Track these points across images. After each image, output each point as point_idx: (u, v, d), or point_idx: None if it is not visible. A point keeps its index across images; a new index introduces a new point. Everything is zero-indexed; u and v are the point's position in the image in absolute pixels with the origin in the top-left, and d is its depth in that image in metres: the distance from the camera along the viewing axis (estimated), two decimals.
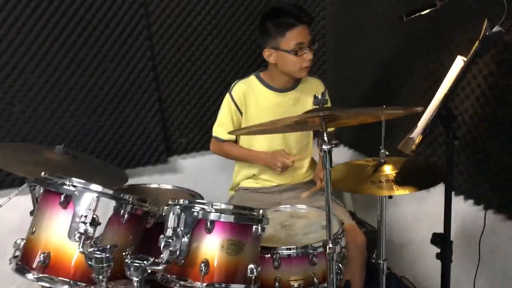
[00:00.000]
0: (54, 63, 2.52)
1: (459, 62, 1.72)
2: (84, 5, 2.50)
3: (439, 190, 1.76)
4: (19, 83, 2.49)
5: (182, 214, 1.41)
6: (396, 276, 2.62)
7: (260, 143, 2.22)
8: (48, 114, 2.57)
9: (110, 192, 1.47)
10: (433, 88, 2.22)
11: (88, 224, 1.38)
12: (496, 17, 1.80)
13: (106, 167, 2.21)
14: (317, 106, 1.39)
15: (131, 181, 2.23)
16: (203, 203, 1.44)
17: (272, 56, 2.13)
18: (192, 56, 2.79)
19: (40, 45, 2.48)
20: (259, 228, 1.45)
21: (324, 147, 1.30)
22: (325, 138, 1.31)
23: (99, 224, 1.42)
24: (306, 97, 2.23)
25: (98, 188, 1.47)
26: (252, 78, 2.25)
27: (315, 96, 1.41)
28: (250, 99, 2.21)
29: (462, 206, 2.14)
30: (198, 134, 2.92)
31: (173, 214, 1.42)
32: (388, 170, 1.66)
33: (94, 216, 1.41)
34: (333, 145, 1.32)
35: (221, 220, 1.41)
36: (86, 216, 1.40)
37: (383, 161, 1.66)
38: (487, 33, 1.57)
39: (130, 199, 1.50)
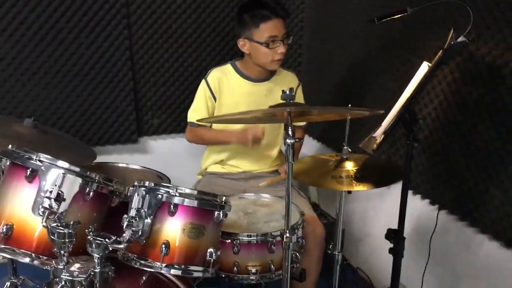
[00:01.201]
0: (29, 35, 2.50)
1: (424, 67, 1.79)
2: None
3: (398, 188, 1.84)
4: None
5: (147, 195, 1.45)
6: (352, 267, 2.73)
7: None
8: (18, 85, 2.55)
9: (77, 169, 1.49)
10: (401, 90, 2.27)
11: (52, 200, 1.40)
12: (462, 27, 1.88)
13: (75, 143, 2.21)
14: (285, 101, 1.43)
15: (99, 159, 2.24)
16: (168, 187, 1.48)
17: (246, 46, 2.17)
18: (169, 38, 2.80)
19: (14, 15, 2.45)
20: (221, 214, 1.49)
21: (288, 141, 1.35)
22: (289, 132, 1.36)
23: (64, 200, 1.44)
24: (279, 89, 2.23)
25: (65, 164, 1.49)
26: (228, 67, 2.28)
27: (283, 91, 1.45)
28: (224, 87, 2.24)
29: (418, 205, 2.23)
30: (170, 117, 2.94)
31: (138, 195, 1.45)
32: (350, 166, 1.73)
33: (60, 192, 1.43)
34: (296, 140, 1.37)
35: (184, 204, 1.45)
36: (51, 192, 1.42)
37: (345, 157, 1.73)
38: (452, 43, 1.64)
39: (96, 178, 1.53)
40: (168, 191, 1.45)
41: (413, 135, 1.77)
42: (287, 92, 1.42)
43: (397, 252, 1.87)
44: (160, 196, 1.44)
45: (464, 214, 2.01)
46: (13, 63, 2.51)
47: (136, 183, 1.51)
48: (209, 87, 2.25)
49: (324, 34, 2.88)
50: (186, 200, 1.45)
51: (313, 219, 2.04)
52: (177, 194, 1.45)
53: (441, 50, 1.62)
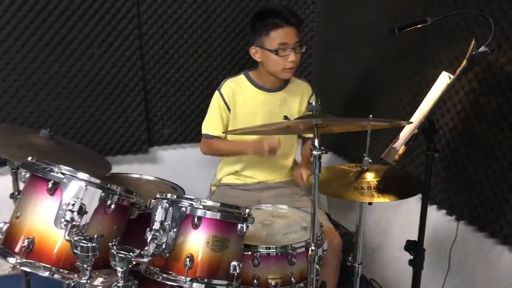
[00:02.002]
0: (41, 45, 2.49)
1: (444, 78, 1.79)
2: None
3: (413, 198, 1.82)
4: (3, 62, 2.45)
5: (170, 208, 1.43)
6: (366, 278, 2.70)
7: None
8: (30, 95, 2.54)
9: (98, 181, 1.48)
10: (415, 100, 2.30)
11: (75, 213, 1.38)
12: (481, 37, 1.88)
13: (89, 154, 2.20)
14: (311, 112, 1.42)
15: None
16: (191, 199, 1.46)
17: (257, 54, 2.17)
18: (180, 48, 2.79)
19: (27, 25, 2.44)
20: (244, 227, 1.48)
21: (315, 152, 1.34)
22: (316, 144, 1.35)
23: (86, 213, 1.43)
24: (293, 99, 2.27)
25: (86, 176, 1.47)
26: (241, 77, 2.28)
27: (309, 103, 1.44)
28: (239, 97, 2.24)
29: (434, 215, 2.21)
30: (180, 126, 2.93)
31: (161, 208, 1.43)
32: (370, 177, 1.72)
33: (82, 204, 1.41)
34: (323, 151, 1.35)
35: (208, 216, 1.44)
36: (73, 204, 1.40)
37: (366, 168, 1.72)
38: (473, 53, 1.63)
39: (118, 190, 1.51)
40: (192, 204, 1.44)
41: (433, 145, 1.76)
42: (313, 103, 1.41)
43: (417, 264, 1.86)
44: (184, 208, 1.43)
45: (483, 225, 1.99)
46: (25, 73, 2.50)
47: (158, 195, 1.49)
48: (223, 98, 2.24)
49: (335, 44, 2.88)
50: (210, 212, 1.44)
51: (330, 230, 2.02)
52: (200, 207, 1.44)
53: (465, 60, 1.61)
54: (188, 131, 2.95)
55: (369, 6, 2.54)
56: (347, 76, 2.79)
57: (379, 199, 1.56)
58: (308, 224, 1.90)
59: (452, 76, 1.74)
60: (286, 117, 2.26)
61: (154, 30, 2.72)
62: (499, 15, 1.80)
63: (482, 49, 1.62)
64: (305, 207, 2.14)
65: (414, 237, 2.42)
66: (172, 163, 3.00)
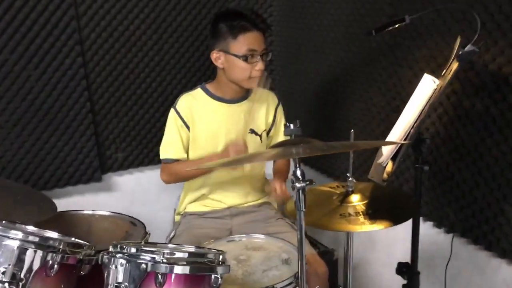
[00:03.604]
0: None
1: (427, 82, 1.60)
2: (3, 4, 2.17)
3: None
4: None
5: (127, 265, 1.17)
6: None
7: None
8: None
9: (35, 239, 1.21)
10: (390, 104, 2.13)
11: (6, 285, 1.11)
12: (460, 33, 1.72)
13: (29, 194, 1.89)
14: (289, 136, 1.19)
15: (59, 204, 1.93)
16: (152, 251, 1.21)
17: (220, 59, 1.93)
18: (129, 63, 2.53)
19: None
20: (219, 278, 1.24)
21: (298, 185, 1.12)
22: (299, 175, 1.12)
23: (21, 280, 1.15)
24: (258, 109, 2.06)
25: (19, 234, 1.19)
26: (198, 91, 2.03)
27: (285, 125, 1.22)
28: (197, 114, 1.99)
29: (421, 228, 2.04)
30: (136, 149, 2.66)
31: (115, 266, 1.18)
32: (356, 199, 1.51)
33: (14, 271, 1.14)
34: (307, 183, 1.13)
35: (175, 272, 1.19)
36: (3, 273, 1.13)
37: (351, 190, 1.51)
38: (460, 52, 1.46)
39: (61, 247, 1.24)
40: (154, 258, 1.18)
41: (422, 157, 1.57)
42: (291, 126, 1.19)
43: None
44: (144, 265, 1.17)
45: (477, 237, 1.83)
46: None
47: (111, 248, 1.23)
48: (179, 115, 1.99)
49: (296, 48, 2.68)
50: (177, 267, 1.19)
51: (314, 258, 1.81)
52: (164, 260, 1.18)
53: (453, 61, 1.43)
54: (145, 153, 2.68)
55: (331, 6, 2.36)
56: (313, 82, 2.60)
57: (371, 227, 1.35)
58: (289, 256, 1.68)
59: (436, 80, 1.55)
60: (252, 131, 2.05)
61: (98, 45, 2.44)
62: (478, 9, 1.63)
63: (469, 48, 1.45)
64: (282, 233, 1.93)
65: (399, 251, 2.27)
66: (130, 189, 2.74)
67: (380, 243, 2.41)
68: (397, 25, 1.56)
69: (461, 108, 1.80)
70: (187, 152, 2.06)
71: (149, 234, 1.89)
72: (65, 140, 2.44)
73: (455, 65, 1.38)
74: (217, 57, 1.93)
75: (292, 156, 1.13)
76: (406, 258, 2.19)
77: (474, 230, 1.82)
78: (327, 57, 2.45)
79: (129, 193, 2.73)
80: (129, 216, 2.02)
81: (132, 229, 1.96)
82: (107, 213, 2.04)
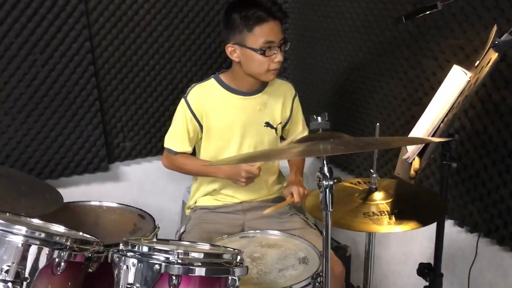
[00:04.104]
0: None
1: (457, 73, 1.51)
2: None
3: None
4: None
5: (139, 265, 1.09)
6: None
7: (229, 156, 1.92)
8: None
9: (41, 235, 1.12)
10: (411, 96, 2.03)
11: (10, 284, 1.03)
12: (491, 22, 1.62)
13: (34, 184, 1.81)
14: (318, 131, 1.10)
15: (65, 193, 1.85)
16: (166, 251, 1.12)
17: (236, 53, 1.83)
18: (139, 49, 2.44)
19: None
20: (236, 280, 1.16)
21: (326, 183, 1.03)
22: (326, 172, 1.04)
23: (26, 279, 1.07)
24: (275, 102, 1.96)
25: (23, 229, 1.11)
26: (211, 82, 1.93)
27: (312, 118, 1.13)
28: (210, 105, 1.89)
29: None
30: (144, 138, 2.58)
31: (127, 266, 1.09)
32: (379, 197, 1.43)
33: (19, 269, 1.06)
34: (335, 181, 1.05)
35: (190, 274, 1.11)
36: (7, 272, 1.05)
37: (374, 187, 1.42)
38: (496, 42, 1.36)
39: (68, 244, 1.16)
40: (168, 258, 1.10)
41: (449, 154, 1.48)
42: (319, 119, 1.09)
43: None
44: (157, 266, 1.09)
45: (503, 238, 1.74)
46: None
47: (121, 246, 1.15)
48: (190, 107, 1.89)
49: (312, 36, 2.57)
50: (192, 269, 1.10)
51: (331, 256, 1.72)
52: (179, 261, 1.10)
53: (488, 50, 1.33)
54: (153, 142, 2.60)
55: None
56: (329, 72, 2.49)
57: (400, 228, 1.27)
58: (305, 254, 1.60)
59: (467, 72, 1.46)
60: (268, 124, 1.96)
61: (106, 30, 2.35)
62: None
63: (506, 37, 1.35)
64: (297, 229, 1.85)
65: (416, 249, 2.19)
66: (137, 179, 2.66)
67: (395, 240, 2.33)
68: (428, 12, 1.45)
69: (489, 102, 1.70)
70: (198, 143, 1.97)
71: (159, 228, 1.82)
72: (71, 128, 2.36)
73: (493, 56, 1.28)
74: (233, 51, 1.83)
75: (320, 154, 1.03)
76: (424, 256, 2.12)
77: (500, 231, 1.73)
78: (344, 46, 2.35)
79: (136, 183, 2.65)
80: (138, 209, 1.95)
81: (140, 222, 1.88)
82: (115, 204, 1.96)
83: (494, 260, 1.81)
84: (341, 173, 2.54)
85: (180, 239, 1.87)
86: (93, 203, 1.96)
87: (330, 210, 1.07)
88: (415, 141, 1.28)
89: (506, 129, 1.66)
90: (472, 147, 1.78)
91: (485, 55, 1.37)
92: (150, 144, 2.60)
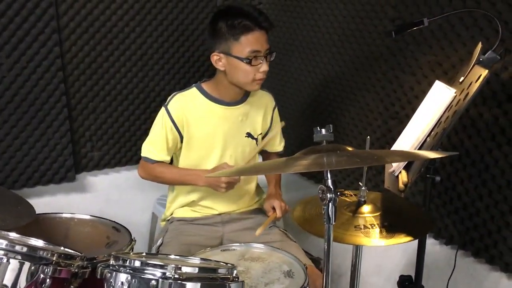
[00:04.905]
0: None
1: (441, 89, 1.54)
2: None
3: None
4: None
5: (133, 281, 1.04)
6: None
7: (209, 166, 1.88)
8: None
9: (23, 249, 1.05)
10: (388, 110, 2.06)
11: None
12: (470, 40, 1.67)
13: (5, 195, 1.70)
14: (321, 142, 1.08)
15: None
16: (161, 266, 1.07)
17: (221, 61, 1.80)
18: (110, 56, 2.37)
19: None
20: None
21: (329, 195, 1.01)
22: (330, 185, 1.02)
23: None
24: (256, 113, 1.94)
25: (3, 243, 1.03)
26: (193, 91, 1.89)
27: (316, 129, 1.11)
28: (191, 115, 1.85)
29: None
30: (113, 147, 2.49)
31: (122, 283, 1.03)
32: (367, 210, 1.43)
33: (4, 286, 0.98)
34: (339, 194, 1.03)
35: None
36: None
37: (363, 200, 1.42)
38: (480, 59, 1.40)
39: (54, 258, 1.09)
40: (164, 273, 1.05)
41: (433, 167, 1.51)
42: (322, 131, 1.08)
43: None
44: (154, 282, 1.03)
45: (478, 250, 1.78)
46: None
47: (112, 260, 1.09)
48: (170, 116, 1.84)
49: (287, 49, 2.58)
50: (189, 284, 1.06)
51: (311, 269, 1.71)
52: (175, 276, 1.05)
53: (479, 67, 1.37)
54: (122, 152, 2.52)
55: (327, 7, 2.28)
56: (304, 84, 2.51)
57: (394, 241, 1.27)
58: (290, 268, 1.58)
59: (450, 88, 1.49)
60: (249, 134, 1.94)
61: (77, 35, 2.27)
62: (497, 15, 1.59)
63: (489, 54, 1.39)
64: (276, 242, 1.82)
65: (386, 259, 2.21)
66: (105, 190, 2.57)
67: (368, 252, 2.34)
68: (416, 27, 1.48)
69: (466, 118, 1.75)
70: (177, 153, 1.93)
71: (135, 241, 1.75)
72: (37, 136, 2.26)
73: (483, 72, 1.31)
74: (218, 60, 1.80)
75: (324, 167, 1.02)
76: (397, 268, 2.15)
77: (476, 243, 1.78)
78: (320, 59, 2.37)
79: (104, 194, 2.56)
80: (112, 221, 1.87)
81: (114, 235, 1.80)
82: (87, 217, 1.87)
83: (468, 271, 1.85)
84: (315, 185, 2.55)
85: (157, 252, 1.80)
86: (64, 215, 1.86)
87: (333, 223, 1.06)
88: (421, 155, 1.28)
89: (483, 143, 1.71)
90: (449, 161, 1.82)
91: (470, 71, 1.41)
92: (119, 154, 2.52)
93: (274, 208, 1.83)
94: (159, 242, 1.86)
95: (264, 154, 2.14)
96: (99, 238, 1.79)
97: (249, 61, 1.74)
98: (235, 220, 1.94)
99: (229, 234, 1.91)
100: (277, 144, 2.08)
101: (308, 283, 1.50)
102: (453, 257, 1.83)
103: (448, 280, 1.79)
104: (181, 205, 1.96)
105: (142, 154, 1.92)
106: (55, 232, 1.77)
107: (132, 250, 1.69)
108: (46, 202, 2.35)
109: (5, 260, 1.00)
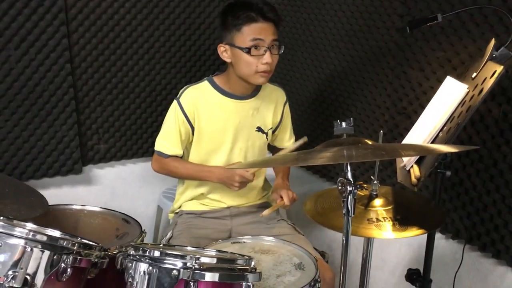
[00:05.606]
0: None
1: (453, 84, 1.55)
2: None
3: None
4: None
5: (155, 271, 1.05)
6: None
7: (219, 160, 1.89)
8: None
9: (43, 238, 1.05)
10: (396, 106, 2.08)
11: None
12: (480, 36, 1.69)
13: (18, 186, 1.70)
14: (342, 136, 1.09)
15: None
16: (182, 256, 1.08)
17: (226, 53, 1.81)
18: (117, 48, 2.37)
19: None
20: (250, 286, 1.13)
21: (350, 188, 1.03)
22: (350, 177, 1.03)
23: (33, 286, 1.00)
24: (267, 107, 1.95)
25: (24, 232, 1.04)
26: (205, 84, 1.90)
27: (335, 123, 1.12)
28: (203, 108, 1.86)
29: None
30: (120, 140, 2.50)
31: (144, 272, 1.05)
32: (379, 203, 1.45)
33: (27, 276, 0.99)
34: (358, 187, 1.05)
35: (207, 280, 1.07)
36: (14, 278, 0.98)
37: (375, 193, 1.44)
38: (494, 55, 1.41)
39: (75, 248, 1.10)
40: (185, 263, 1.06)
41: (444, 162, 1.52)
42: (343, 124, 1.09)
43: None
44: (175, 272, 1.05)
45: (485, 245, 1.80)
46: None
47: (132, 251, 1.10)
48: (182, 109, 1.85)
49: (293, 44, 2.58)
50: (210, 274, 1.07)
51: (321, 262, 1.73)
52: (196, 266, 1.06)
53: (493, 63, 1.38)
54: (128, 145, 2.53)
55: (334, 2, 2.28)
56: (310, 79, 2.51)
57: (407, 234, 1.29)
58: (301, 260, 1.60)
59: (461, 84, 1.51)
60: (259, 129, 1.95)
61: (85, 27, 2.27)
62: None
63: (502, 50, 1.41)
64: (285, 235, 1.84)
65: (390, 253, 2.23)
66: (110, 183, 2.58)
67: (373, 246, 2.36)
68: (429, 24, 1.50)
69: (475, 113, 1.75)
70: (187, 146, 1.94)
71: (145, 233, 1.76)
72: (44, 128, 2.26)
73: (498, 68, 1.33)
74: (224, 51, 1.81)
75: (344, 160, 1.03)
76: (402, 262, 2.17)
77: (482, 238, 1.80)
78: (327, 54, 2.38)
79: (110, 187, 2.58)
80: (121, 213, 1.88)
81: (124, 227, 1.81)
82: (97, 209, 1.88)
83: (475, 265, 1.87)
84: (319, 179, 2.56)
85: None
86: (74, 206, 1.87)
87: (352, 215, 1.07)
88: (441, 149, 1.29)
89: (491, 139, 1.72)
90: (456, 156, 1.84)
91: (483, 67, 1.42)
92: (126, 147, 2.53)
93: (282, 197, 1.83)
94: (169, 235, 1.87)
95: (274, 149, 2.15)
96: (109, 230, 1.80)
97: (248, 50, 1.74)
98: (244, 214, 1.95)
99: (237, 227, 1.93)
100: (287, 140, 2.09)
101: (319, 276, 1.51)
102: (460, 251, 1.85)
103: (455, 274, 1.81)
104: (190, 198, 1.97)
105: (156, 149, 1.93)
106: (65, 224, 1.77)
107: (143, 242, 1.70)
108: (52, 194, 2.35)
109: (29, 249, 1.01)
